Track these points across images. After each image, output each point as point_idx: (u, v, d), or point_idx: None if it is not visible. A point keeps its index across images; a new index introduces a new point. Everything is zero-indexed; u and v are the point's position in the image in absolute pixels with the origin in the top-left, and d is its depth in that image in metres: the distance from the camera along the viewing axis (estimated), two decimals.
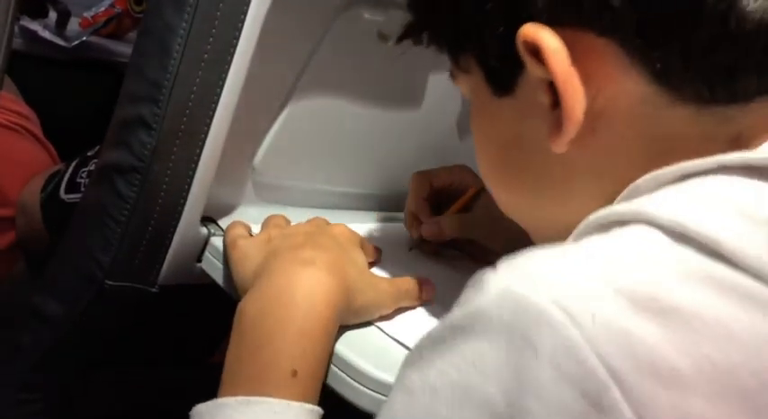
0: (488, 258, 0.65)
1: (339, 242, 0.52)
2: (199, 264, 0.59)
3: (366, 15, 0.60)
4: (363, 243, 0.56)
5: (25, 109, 0.90)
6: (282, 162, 0.64)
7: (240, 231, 0.55)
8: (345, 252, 0.52)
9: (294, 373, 0.42)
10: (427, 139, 0.73)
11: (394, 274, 0.55)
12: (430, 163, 0.67)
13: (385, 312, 0.51)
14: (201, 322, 0.72)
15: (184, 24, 0.49)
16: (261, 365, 0.43)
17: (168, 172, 0.53)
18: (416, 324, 0.52)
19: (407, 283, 0.53)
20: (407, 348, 0.48)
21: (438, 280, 0.59)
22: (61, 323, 0.60)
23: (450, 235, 0.63)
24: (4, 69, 0.44)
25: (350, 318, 0.48)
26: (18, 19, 0.46)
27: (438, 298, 0.55)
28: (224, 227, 0.59)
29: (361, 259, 0.53)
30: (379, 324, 0.50)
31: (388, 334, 0.49)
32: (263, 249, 0.51)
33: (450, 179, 0.66)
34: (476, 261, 0.66)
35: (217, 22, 0.49)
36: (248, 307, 0.46)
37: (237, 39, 0.50)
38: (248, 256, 0.51)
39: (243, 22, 0.50)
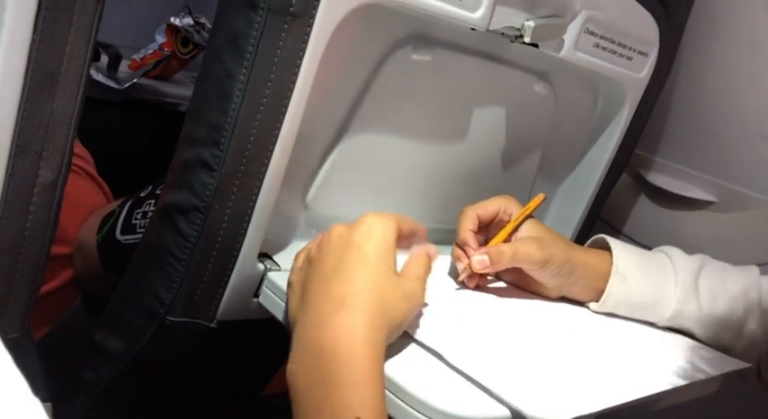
0: (534, 287, 0.66)
1: (366, 253, 0.49)
2: (256, 299, 0.60)
3: (413, 56, 0.61)
4: (396, 227, 0.52)
5: (81, 149, 0.93)
6: (333, 198, 0.65)
7: (298, 264, 0.55)
8: (374, 267, 0.49)
9: None
10: (473, 173, 0.74)
11: (448, 310, 0.57)
12: (477, 195, 0.68)
13: (419, 308, 0.52)
14: (254, 356, 0.73)
15: (244, 70, 0.51)
16: None
17: (228, 211, 0.55)
18: (455, 336, 0.53)
19: (418, 267, 0.53)
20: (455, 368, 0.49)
21: (488, 311, 0.60)
22: (123, 358, 0.62)
23: (497, 266, 0.63)
24: (79, 115, 0.46)
25: (393, 335, 0.49)
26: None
27: (486, 325, 0.57)
28: (279, 262, 0.61)
29: (388, 266, 0.50)
30: (418, 338, 0.51)
31: (422, 345, 0.51)
32: (300, 279, 0.52)
33: (495, 210, 0.67)
34: (523, 290, 0.67)
35: (275, 68, 0.51)
36: (295, 371, 0.46)
37: (294, 83, 0.52)
38: (292, 287, 0.53)
39: (299, 66, 0.52)
